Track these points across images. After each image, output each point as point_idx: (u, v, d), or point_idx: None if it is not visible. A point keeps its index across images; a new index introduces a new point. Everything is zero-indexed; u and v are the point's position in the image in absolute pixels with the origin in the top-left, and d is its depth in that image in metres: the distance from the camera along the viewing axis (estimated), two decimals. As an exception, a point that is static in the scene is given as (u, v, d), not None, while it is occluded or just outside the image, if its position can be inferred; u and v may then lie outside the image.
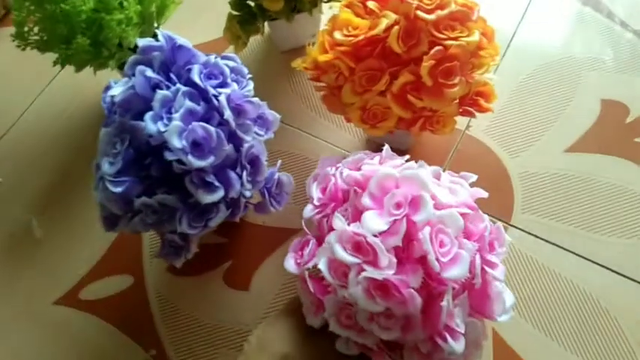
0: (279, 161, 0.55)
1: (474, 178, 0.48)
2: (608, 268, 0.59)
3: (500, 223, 0.46)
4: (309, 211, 0.48)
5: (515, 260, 0.60)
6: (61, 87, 0.80)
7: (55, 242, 0.68)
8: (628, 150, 0.66)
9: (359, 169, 0.46)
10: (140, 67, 0.48)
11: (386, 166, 0.46)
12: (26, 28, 0.60)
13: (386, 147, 0.48)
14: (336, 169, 0.49)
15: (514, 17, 0.77)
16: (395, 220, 0.41)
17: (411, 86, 0.51)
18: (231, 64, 0.53)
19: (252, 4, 0.66)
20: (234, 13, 0.65)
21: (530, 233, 0.62)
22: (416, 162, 0.47)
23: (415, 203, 0.41)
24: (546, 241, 0.61)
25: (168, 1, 0.65)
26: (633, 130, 0.67)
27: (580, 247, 0.60)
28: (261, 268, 0.63)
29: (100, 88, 0.75)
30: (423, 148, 0.67)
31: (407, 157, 0.48)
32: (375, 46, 0.51)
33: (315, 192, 0.48)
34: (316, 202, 0.47)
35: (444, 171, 0.48)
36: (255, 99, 0.52)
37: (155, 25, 0.67)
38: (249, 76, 0.54)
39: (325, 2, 0.66)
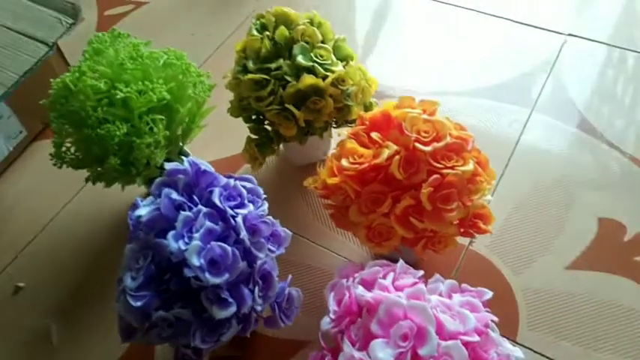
0: (290, 276, 0.58)
1: (489, 295, 0.51)
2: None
3: (510, 346, 0.48)
4: (325, 323, 0.50)
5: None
6: (88, 197, 0.85)
7: (69, 349, 0.70)
8: (627, 268, 0.68)
9: (374, 283, 0.49)
10: (166, 190, 0.53)
11: (400, 282, 0.48)
12: (63, 149, 0.66)
13: (400, 262, 0.52)
14: (352, 279, 0.52)
15: (511, 139, 0.83)
16: (401, 353, 0.43)
17: (413, 209, 0.55)
18: (248, 185, 0.59)
19: (269, 128, 0.72)
20: (253, 136, 0.72)
21: (535, 351, 0.63)
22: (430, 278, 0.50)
23: (421, 336, 0.43)
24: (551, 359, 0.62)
25: (193, 125, 0.72)
26: (632, 249, 0.70)
27: (585, 366, 0.61)
28: (270, 381, 0.64)
29: (125, 200, 0.81)
30: (428, 264, 0.70)
31: (421, 272, 0.51)
32: (379, 172, 0.56)
33: (332, 303, 0.51)
34: (332, 315, 0.49)
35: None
36: (269, 218, 0.56)
37: (180, 144, 0.73)
38: (264, 196, 0.59)
39: (335, 128, 0.73)
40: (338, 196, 0.58)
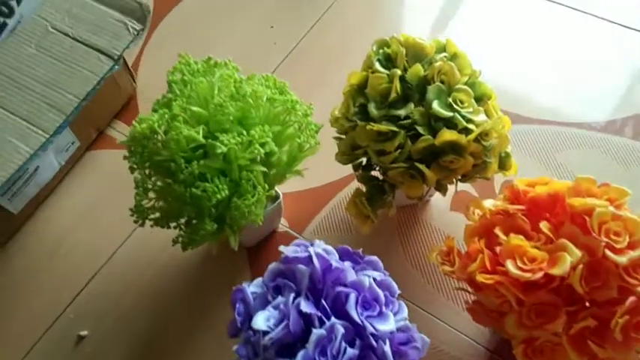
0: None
1: None
2: None
3: None
4: None
5: None
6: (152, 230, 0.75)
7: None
8: None
9: None
10: (295, 301, 0.43)
11: None
12: (145, 202, 0.55)
13: None
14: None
15: None
16: None
17: (591, 331, 0.44)
18: (377, 276, 0.48)
19: (379, 176, 0.61)
20: (361, 188, 0.60)
21: None
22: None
23: None
24: None
25: (291, 169, 0.60)
26: None
27: None
28: None
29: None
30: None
31: None
32: (551, 279, 0.45)
33: None
34: None
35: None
36: (410, 326, 0.46)
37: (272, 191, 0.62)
38: (398, 292, 0.48)
39: (462, 182, 0.61)
40: (492, 299, 0.48)
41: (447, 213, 0.71)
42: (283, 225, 0.73)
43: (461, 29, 0.88)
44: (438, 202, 0.72)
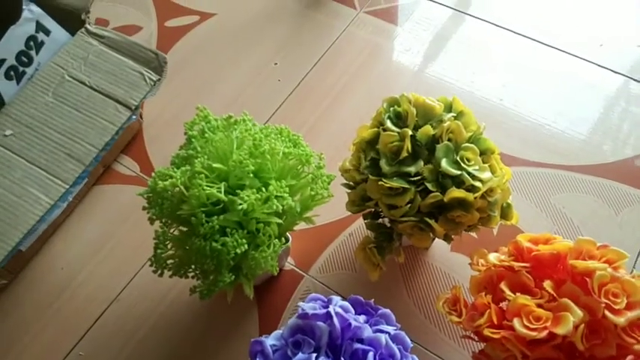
0: None
1: None
2: None
3: None
4: None
5: None
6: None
7: None
8: None
9: None
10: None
11: None
12: (165, 253, 0.57)
13: None
14: None
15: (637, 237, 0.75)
16: None
17: (591, 384, 0.48)
18: (392, 331, 0.51)
19: (386, 223, 0.64)
20: (370, 236, 0.63)
21: None
22: None
23: None
24: None
25: (301, 216, 0.62)
26: None
27: None
28: None
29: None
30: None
31: None
32: (554, 336, 0.48)
33: None
34: None
35: None
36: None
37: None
38: (411, 345, 0.51)
39: (466, 231, 0.64)
40: (498, 353, 0.51)
41: (447, 253, 0.74)
42: (289, 263, 0.75)
43: (454, 69, 0.92)
44: (439, 242, 0.75)
